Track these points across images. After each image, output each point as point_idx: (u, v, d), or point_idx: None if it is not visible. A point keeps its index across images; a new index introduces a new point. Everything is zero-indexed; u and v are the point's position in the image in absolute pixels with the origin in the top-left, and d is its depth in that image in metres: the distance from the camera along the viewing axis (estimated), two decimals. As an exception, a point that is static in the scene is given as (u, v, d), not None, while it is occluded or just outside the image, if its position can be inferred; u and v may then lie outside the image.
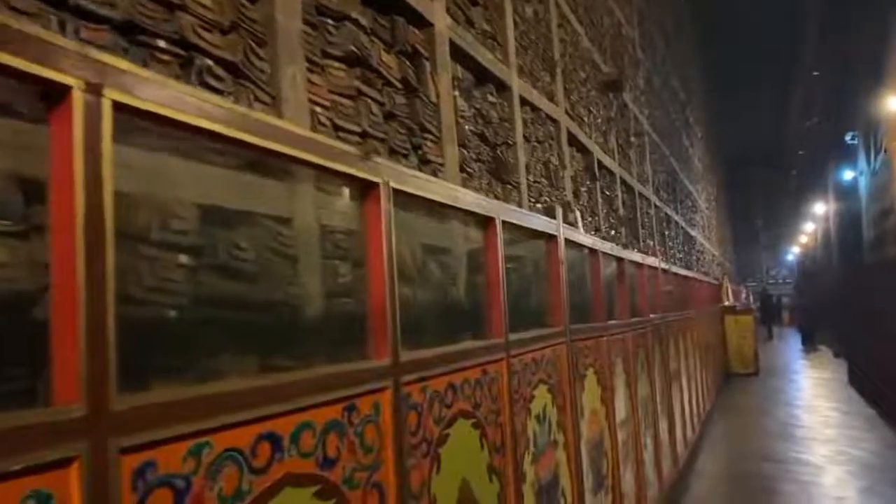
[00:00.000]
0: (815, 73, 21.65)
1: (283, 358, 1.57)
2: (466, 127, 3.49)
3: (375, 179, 1.49)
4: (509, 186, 4.09)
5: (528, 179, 4.45)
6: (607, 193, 7.06)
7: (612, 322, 3.78)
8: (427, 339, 1.99)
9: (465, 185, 3.38)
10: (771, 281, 38.60)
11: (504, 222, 2.23)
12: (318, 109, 2.36)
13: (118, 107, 0.92)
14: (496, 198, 3.79)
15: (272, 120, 1.36)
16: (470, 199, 2.00)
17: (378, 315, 1.49)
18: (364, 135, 2.62)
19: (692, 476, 5.89)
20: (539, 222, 2.64)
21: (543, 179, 4.79)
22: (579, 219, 5.46)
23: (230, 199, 1.75)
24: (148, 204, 1.47)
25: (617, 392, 3.74)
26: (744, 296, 23.15)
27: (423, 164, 3.03)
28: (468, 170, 3.47)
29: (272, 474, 1.13)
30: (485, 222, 2.17)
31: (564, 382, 2.77)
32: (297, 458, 1.19)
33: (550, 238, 2.84)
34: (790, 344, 21.17)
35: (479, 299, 2.28)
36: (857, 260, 15.67)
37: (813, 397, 10.69)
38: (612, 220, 7.13)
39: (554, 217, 2.85)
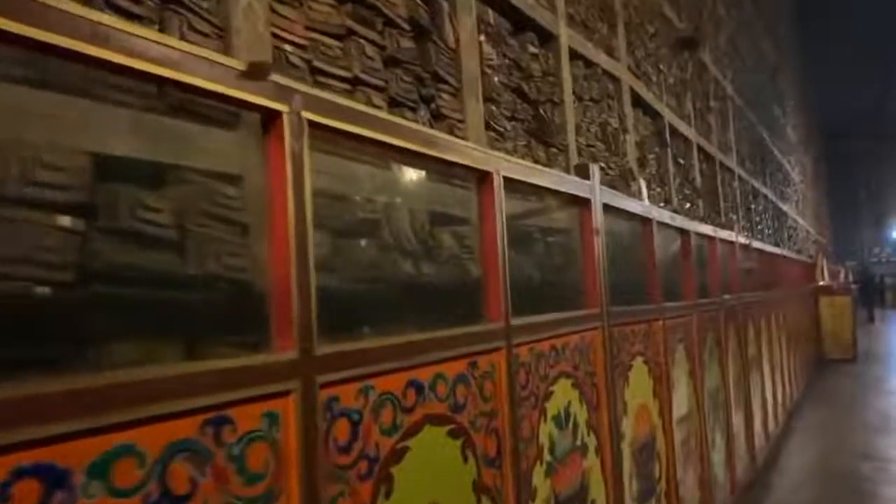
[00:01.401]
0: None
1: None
2: (496, 79, 3.03)
3: (279, 107, 1.10)
4: (554, 150, 3.61)
5: (578, 142, 3.95)
6: (681, 162, 6.43)
7: (672, 304, 3.28)
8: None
9: (493, 147, 2.93)
10: (874, 259, 36.16)
11: (507, 179, 1.80)
12: (288, 48, 1.98)
13: None
14: (536, 161, 3.33)
15: (206, 53, 1.01)
16: (443, 143, 1.58)
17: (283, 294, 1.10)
18: (356, 81, 2.22)
19: (773, 474, 5.28)
20: (561, 181, 2.18)
21: (599, 143, 4.27)
22: (644, 188, 4.91)
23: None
24: None
25: (677, 384, 3.25)
26: (842, 275, 21.63)
27: (437, 118, 2.60)
28: (498, 128, 3.02)
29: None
30: (479, 178, 1.74)
31: (600, 375, 2.32)
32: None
33: (582, 203, 2.38)
34: (894, 327, 19.65)
35: (470, 276, 1.86)
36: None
37: (919, 386, 9.71)
38: (687, 192, 6.49)
39: (587, 177, 2.38)
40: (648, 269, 3.04)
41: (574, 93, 3.99)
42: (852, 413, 7.69)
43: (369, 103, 2.25)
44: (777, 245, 9.65)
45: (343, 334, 1.29)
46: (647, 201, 5.01)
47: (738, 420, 4.62)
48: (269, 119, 1.11)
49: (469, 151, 1.66)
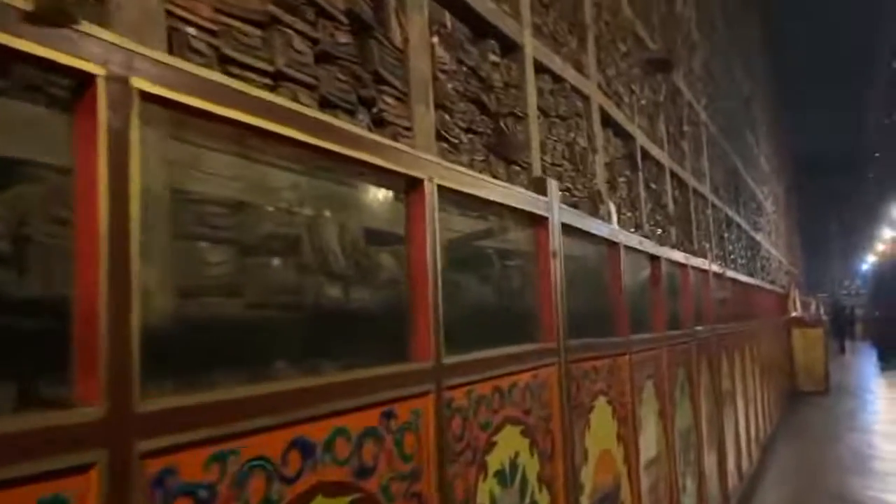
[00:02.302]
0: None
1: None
2: (450, 86, 2.76)
3: (91, 69, 0.79)
4: (516, 167, 3.34)
5: (543, 160, 3.69)
6: (653, 187, 6.21)
7: (640, 336, 2.99)
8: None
9: (446, 158, 2.65)
10: (844, 291, 36.43)
11: (444, 188, 1.51)
12: (192, 31, 1.68)
13: None
14: (494, 177, 3.05)
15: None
16: (355, 138, 1.28)
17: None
18: (278, 76, 1.92)
19: (747, 517, 5.00)
20: (512, 195, 1.89)
21: (566, 162, 4.02)
22: (613, 212, 4.66)
23: None
24: None
25: (644, 425, 2.95)
26: (814, 307, 21.64)
27: (379, 124, 2.31)
28: (452, 139, 2.74)
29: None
30: (408, 185, 1.44)
31: (555, 419, 2.01)
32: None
33: (538, 221, 2.09)
34: (864, 359, 19.63)
35: (391, 304, 1.56)
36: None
37: (891, 422, 9.53)
38: (659, 218, 6.27)
39: (544, 192, 2.10)
40: (615, 298, 2.76)
41: (539, 107, 3.74)
42: (826, 450, 7.46)
43: (295, 100, 1.96)
44: (751, 275, 9.47)
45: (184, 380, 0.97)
46: (616, 225, 4.77)
47: (710, 460, 4.33)
48: (80, 86, 0.80)
49: (392, 151, 1.37)
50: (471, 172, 1.64)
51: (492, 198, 1.74)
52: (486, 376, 1.64)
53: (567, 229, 2.23)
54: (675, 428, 3.46)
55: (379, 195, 1.84)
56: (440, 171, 1.49)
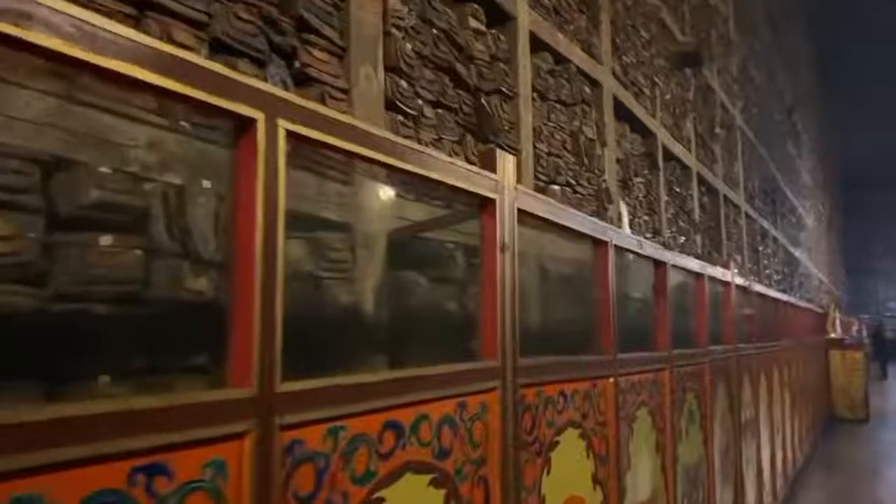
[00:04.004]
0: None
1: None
2: (409, 46, 2.31)
3: None
4: (501, 152, 2.87)
5: (537, 148, 3.22)
6: (677, 191, 5.68)
7: (633, 355, 2.50)
8: None
9: (400, 133, 2.20)
10: (888, 314, 34.99)
11: (299, 137, 1.06)
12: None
13: None
14: (471, 163, 2.59)
15: None
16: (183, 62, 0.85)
17: None
18: (144, 4, 1.50)
19: (767, 562, 4.44)
20: (434, 164, 1.42)
21: (567, 154, 3.54)
22: (625, 213, 4.17)
23: None
24: None
25: (635, 461, 2.46)
26: (856, 328, 20.63)
27: (302, 82, 1.88)
28: (410, 111, 2.28)
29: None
30: (236, 126, 1.00)
31: (492, 463, 1.54)
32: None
33: (484, 205, 1.63)
34: (909, 386, 18.61)
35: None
36: None
37: (937, 456, 8.78)
38: (683, 225, 5.74)
39: (492, 168, 1.63)
40: (600, 309, 2.28)
41: (535, 88, 3.27)
42: (862, 486, 6.81)
43: (170, 40, 1.53)
44: (784, 292, 8.82)
45: None
46: (627, 229, 4.26)
47: (725, 498, 3.80)
48: None
49: (212, 77, 0.93)
50: (355, 121, 1.18)
51: (394, 163, 1.28)
52: (379, 406, 1.19)
53: (526, 217, 1.77)
54: (677, 463, 2.96)
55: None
56: (291, 111, 1.04)
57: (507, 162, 1.67)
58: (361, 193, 1.84)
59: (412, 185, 1.89)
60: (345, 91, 1.99)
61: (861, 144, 27.97)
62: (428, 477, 1.34)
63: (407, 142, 1.34)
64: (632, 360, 2.47)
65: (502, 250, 1.64)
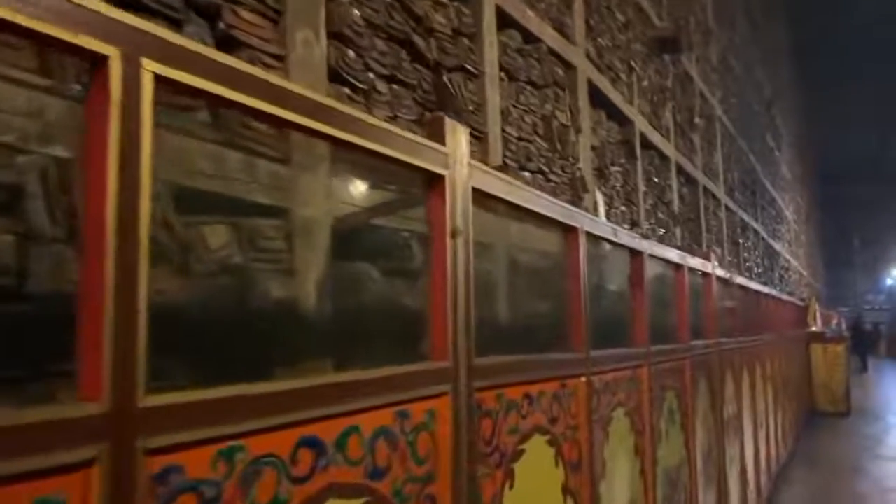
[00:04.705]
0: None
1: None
2: (357, 13, 2.09)
3: None
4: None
5: (506, 132, 3.01)
6: (656, 181, 5.50)
7: (608, 352, 2.30)
8: None
9: (346, 102, 1.98)
10: (867, 306, 35.24)
11: (169, 82, 0.84)
12: None
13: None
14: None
15: None
16: None
17: None
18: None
19: (752, 565, 4.27)
20: (365, 128, 1.20)
21: (539, 139, 3.33)
22: (601, 202, 3.98)
23: None
24: None
25: (611, 466, 2.26)
26: (835, 322, 20.67)
27: (229, 45, 1.65)
28: (358, 84, 2.06)
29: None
30: (90, 64, 0.78)
31: (443, 476, 1.33)
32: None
33: (432, 182, 1.42)
34: (888, 378, 18.68)
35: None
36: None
37: (919, 449, 8.70)
38: (662, 216, 5.56)
39: (441, 139, 1.42)
40: (571, 302, 2.07)
41: (503, 67, 3.06)
42: (846, 481, 6.68)
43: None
44: (767, 284, 8.70)
45: None
46: (604, 219, 4.07)
47: (708, 499, 3.62)
48: None
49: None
50: (253, 70, 0.96)
51: (309, 124, 1.06)
52: (283, 423, 0.97)
53: (483, 198, 1.56)
54: (657, 466, 2.77)
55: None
56: (161, 49, 0.82)
57: (458, 133, 1.46)
58: (285, 169, 1.62)
59: (348, 159, 1.67)
60: (279, 58, 1.77)
61: (839, 139, 28.10)
62: (358, 501, 1.12)
63: (324, 98, 1.13)
64: (607, 357, 2.27)
65: (453, 235, 1.42)
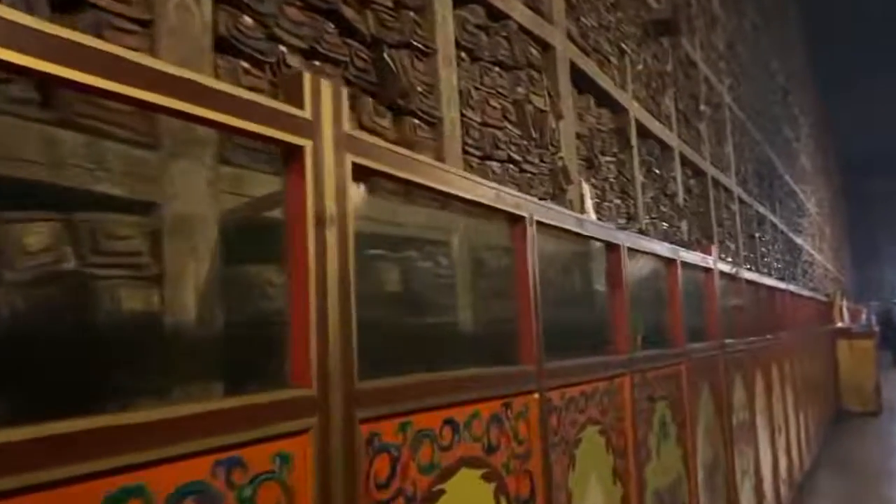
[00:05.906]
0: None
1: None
2: (258, -26, 1.78)
3: None
4: (414, 120, 2.36)
5: (466, 116, 2.69)
6: (657, 172, 5.14)
7: (573, 362, 1.97)
8: None
9: (243, 77, 1.69)
10: (897, 300, 34.25)
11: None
12: None
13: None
14: (362, 129, 2.07)
15: None
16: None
17: None
18: None
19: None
20: (217, 97, 0.89)
21: (508, 126, 3.01)
22: (588, 195, 3.64)
23: None
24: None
25: (581, 498, 1.93)
26: (864, 316, 19.98)
27: (65, 6, 1.36)
28: (263, 57, 1.76)
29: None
30: None
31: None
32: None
33: (288, 157, 1.11)
34: (921, 374, 17.97)
35: None
36: None
37: (957, 450, 8.21)
38: (665, 210, 5.20)
39: (298, 103, 1.11)
40: (518, 305, 1.75)
41: (462, 45, 2.75)
42: (877, 489, 6.24)
43: None
44: (785, 280, 8.26)
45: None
46: (592, 214, 3.73)
47: (714, 519, 3.26)
48: None
49: None
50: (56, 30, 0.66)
51: (140, 96, 0.76)
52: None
53: (388, 181, 1.25)
54: (646, 490, 2.42)
55: None
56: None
57: (323, 92, 1.15)
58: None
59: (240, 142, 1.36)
60: (143, 23, 1.47)
61: (862, 128, 27.37)
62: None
63: (165, 65, 0.83)
64: (570, 368, 1.94)
65: (321, 224, 1.11)
